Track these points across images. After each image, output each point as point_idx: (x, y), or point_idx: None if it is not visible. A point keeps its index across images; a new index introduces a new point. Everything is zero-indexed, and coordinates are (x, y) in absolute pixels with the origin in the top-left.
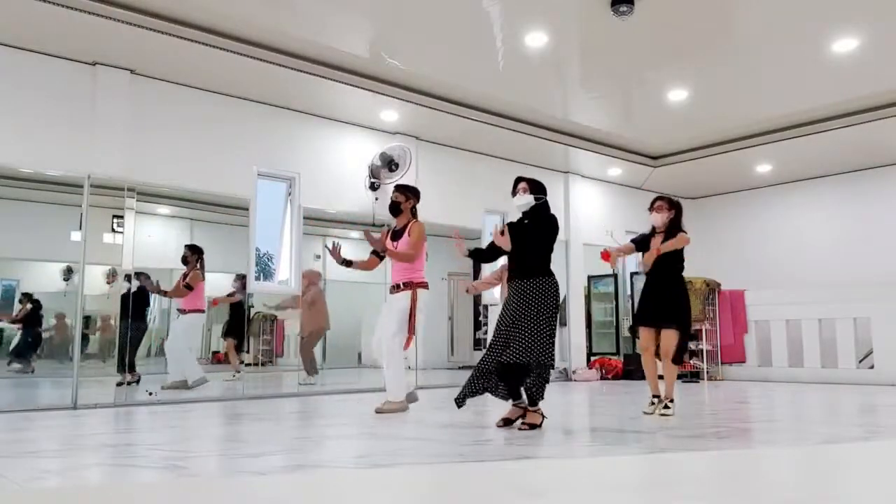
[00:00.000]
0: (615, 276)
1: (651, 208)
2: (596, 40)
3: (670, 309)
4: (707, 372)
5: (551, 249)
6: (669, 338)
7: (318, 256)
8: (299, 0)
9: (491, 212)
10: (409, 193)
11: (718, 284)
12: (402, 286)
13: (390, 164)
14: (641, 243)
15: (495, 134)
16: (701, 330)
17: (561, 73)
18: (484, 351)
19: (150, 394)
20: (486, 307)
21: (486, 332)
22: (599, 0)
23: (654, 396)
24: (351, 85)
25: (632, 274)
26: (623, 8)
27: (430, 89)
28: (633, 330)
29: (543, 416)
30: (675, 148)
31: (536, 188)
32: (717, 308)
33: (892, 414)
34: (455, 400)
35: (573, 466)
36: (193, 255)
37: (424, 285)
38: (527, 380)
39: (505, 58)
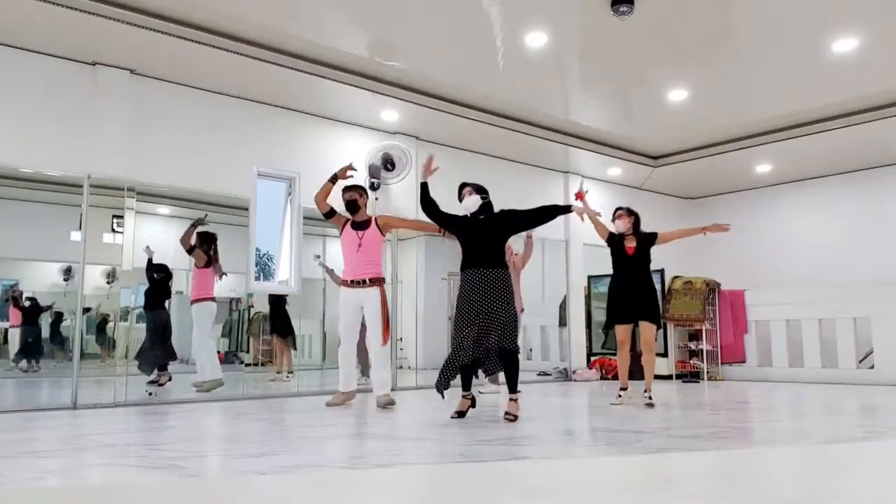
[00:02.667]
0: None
1: (614, 218)
2: (596, 40)
3: (648, 305)
4: (707, 372)
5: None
6: (651, 330)
7: (318, 256)
8: (299, 0)
9: None
10: (361, 191)
11: (718, 284)
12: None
13: (387, 163)
14: (614, 241)
15: (495, 134)
16: (701, 330)
17: (561, 73)
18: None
19: (150, 394)
20: None
21: None
22: (599, 0)
23: (622, 389)
24: (351, 85)
25: None
26: (623, 8)
27: (430, 89)
28: (609, 327)
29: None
30: (675, 148)
31: (480, 189)
32: (717, 308)
33: (892, 414)
34: (438, 389)
35: (573, 466)
36: (205, 244)
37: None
38: (509, 367)
39: (505, 58)
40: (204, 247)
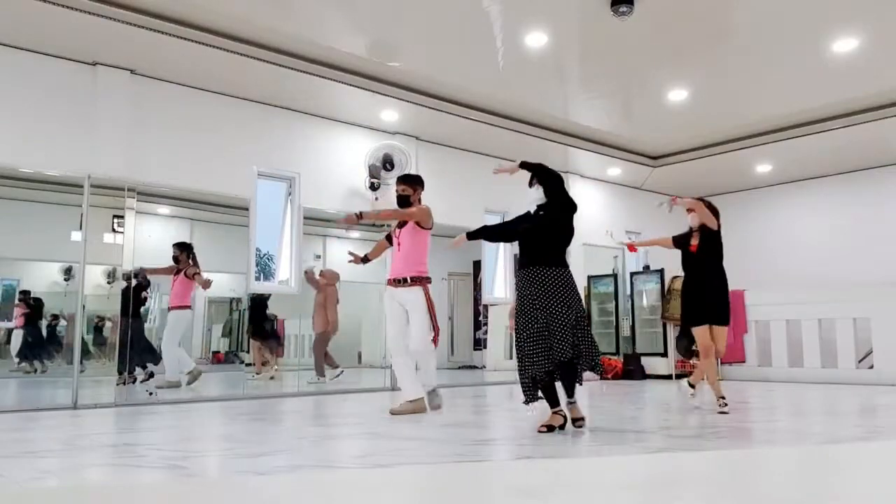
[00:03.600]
0: (615, 276)
1: (689, 210)
2: (596, 40)
3: (719, 305)
4: None
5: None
6: (723, 335)
7: (318, 256)
8: (299, 0)
9: (491, 212)
10: (414, 184)
11: None
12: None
13: (386, 163)
14: (680, 240)
15: (495, 134)
16: None
17: (561, 74)
18: (528, 335)
19: (150, 394)
20: (486, 307)
21: (485, 333)
22: (599, 0)
23: (722, 397)
24: (351, 85)
25: (632, 274)
26: (623, 8)
27: (430, 89)
28: (687, 331)
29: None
30: (675, 148)
31: (548, 179)
32: None
33: (892, 414)
34: (528, 400)
35: (573, 466)
36: (183, 252)
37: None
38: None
39: (505, 58)
40: (183, 255)
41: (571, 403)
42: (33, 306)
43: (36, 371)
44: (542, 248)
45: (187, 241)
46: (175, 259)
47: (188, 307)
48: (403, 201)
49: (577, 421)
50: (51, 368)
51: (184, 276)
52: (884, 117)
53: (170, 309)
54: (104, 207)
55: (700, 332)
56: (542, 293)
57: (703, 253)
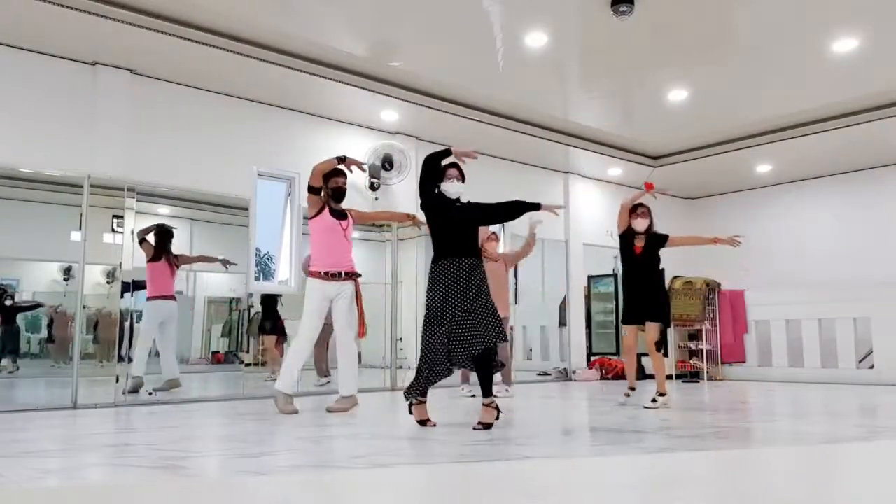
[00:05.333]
0: (615, 276)
1: (636, 215)
2: (596, 40)
3: (654, 304)
4: (707, 372)
5: None
6: (651, 329)
7: None
8: (299, 0)
9: None
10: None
11: (718, 284)
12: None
13: (385, 163)
14: (628, 233)
15: (495, 134)
16: (701, 330)
17: (561, 73)
18: (434, 331)
19: (151, 394)
20: None
21: None
22: (599, 0)
23: (631, 389)
24: (351, 85)
25: None
26: (623, 8)
27: (430, 89)
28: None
29: (498, 411)
30: (675, 148)
31: (463, 178)
32: (718, 308)
33: (892, 414)
34: (408, 396)
35: (573, 466)
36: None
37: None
38: (481, 368)
39: (505, 58)
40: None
41: (487, 405)
42: (9, 307)
43: (12, 370)
44: (458, 239)
45: (187, 240)
46: (162, 245)
47: (160, 297)
48: (341, 194)
49: (479, 424)
50: (48, 368)
51: (165, 263)
52: (883, 117)
53: (156, 298)
54: (104, 207)
55: (628, 331)
56: (459, 285)
57: (645, 256)
